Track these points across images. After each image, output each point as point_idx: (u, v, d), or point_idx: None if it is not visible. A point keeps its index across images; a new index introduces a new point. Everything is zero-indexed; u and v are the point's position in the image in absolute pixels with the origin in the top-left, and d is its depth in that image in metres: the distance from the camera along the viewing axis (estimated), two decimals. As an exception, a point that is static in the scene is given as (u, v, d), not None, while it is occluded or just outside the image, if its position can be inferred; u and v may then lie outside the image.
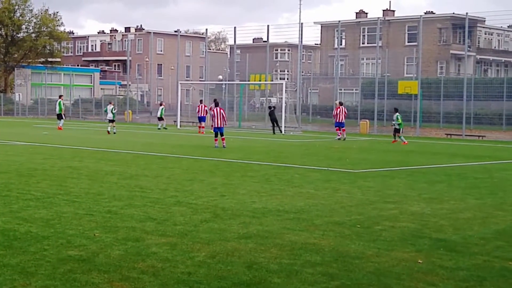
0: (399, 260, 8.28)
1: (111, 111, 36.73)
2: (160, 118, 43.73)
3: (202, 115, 41.71)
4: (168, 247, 8.64)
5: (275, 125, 40.93)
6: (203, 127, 40.61)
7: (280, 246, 8.85)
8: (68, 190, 13.39)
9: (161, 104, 46.25)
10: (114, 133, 35.84)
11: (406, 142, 31.74)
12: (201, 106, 42.40)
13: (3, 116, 66.54)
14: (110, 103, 39.02)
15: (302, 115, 47.79)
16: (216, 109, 27.07)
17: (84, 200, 12.25)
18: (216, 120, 26.46)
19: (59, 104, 42.31)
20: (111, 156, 21.99)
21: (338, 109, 35.98)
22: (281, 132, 40.54)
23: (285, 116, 42.42)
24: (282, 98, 43.97)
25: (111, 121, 36.65)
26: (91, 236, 9.16)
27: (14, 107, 70.57)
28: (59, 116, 42.12)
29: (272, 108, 42.43)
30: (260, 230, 9.83)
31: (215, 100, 29.28)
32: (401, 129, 33.07)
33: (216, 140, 26.78)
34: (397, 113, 33.00)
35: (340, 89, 53.65)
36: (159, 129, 42.43)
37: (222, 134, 26.51)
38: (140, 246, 8.68)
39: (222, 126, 26.50)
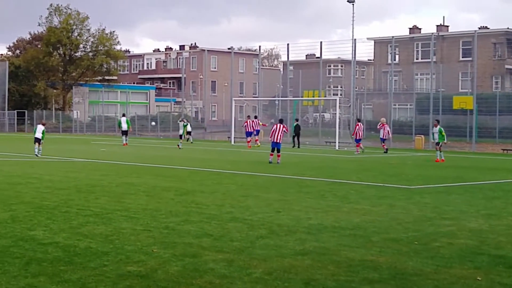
0: (458, 277, 8.17)
1: (183, 127, 39.44)
2: (187, 133, 43.54)
3: (249, 130, 42.29)
4: (225, 263, 8.69)
5: (298, 139, 42.43)
6: (249, 141, 41.80)
7: (337, 263, 8.81)
8: (126, 206, 13.59)
9: (182, 121, 44.35)
10: (180, 148, 37.71)
11: (441, 160, 29.77)
12: (249, 121, 42.74)
13: (62, 133, 67.94)
14: (182, 120, 40.41)
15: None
16: (278, 124, 27.02)
17: (142, 216, 12.41)
18: (276, 135, 26.42)
19: (127, 121, 44.13)
20: (167, 172, 22.23)
21: (357, 126, 36.96)
22: (298, 146, 41.82)
23: (338, 131, 42.27)
24: (336, 113, 43.80)
25: (181, 136, 39.07)
26: (150, 252, 9.28)
27: (72, 125, 72.01)
28: (125, 133, 43.27)
29: (298, 123, 43.83)
30: (317, 247, 9.80)
31: (280, 120, 29.02)
32: (440, 143, 30.56)
33: (271, 155, 26.68)
34: (439, 126, 31.05)
35: (394, 105, 53.21)
36: (180, 146, 39.19)
37: (278, 151, 26.50)
38: (197, 262, 8.74)
39: (280, 142, 26.55)
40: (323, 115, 56.96)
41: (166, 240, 10.13)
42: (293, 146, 42.12)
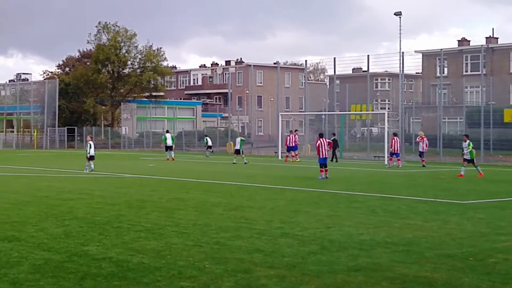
0: (516, 295, 7.98)
1: (240, 142, 39.67)
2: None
3: (291, 145, 42.18)
4: (277, 279, 8.64)
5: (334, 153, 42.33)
6: (293, 156, 41.58)
7: (391, 279, 8.70)
8: (177, 222, 13.65)
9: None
10: (242, 163, 38.12)
11: (462, 175, 28.18)
12: (291, 136, 42.75)
13: (111, 149, 68.80)
14: (239, 136, 41.65)
15: (404, 144, 46.97)
16: (322, 139, 26.93)
17: (192, 231, 12.45)
18: (323, 150, 26.38)
19: (172, 137, 45.08)
20: (215, 188, 22.29)
21: (393, 140, 36.96)
22: (336, 161, 41.86)
23: (387, 146, 41.87)
24: (384, 127, 43.47)
25: (238, 151, 39.42)
26: (202, 267, 9.29)
27: (121, 141, 72.87)
28: (171, 148, 44.31)
29: (335, 137, 44.04)
30: (369, 263, 9.69)
31: (320, 134, 28.75)
32: (472, 159, 28.90)
33: (322, 171, 26.26)
34: (468, 140, 29.39)
35: (444, 118, 52.43)
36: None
37: (326, 166, 26.39)
38: (249, 278, 8.72)
39: (326, 156, 26.59)
40: (371, 129, 56.50)
41: (217, 255, 10.13)
42: (331, 160, 41.45)
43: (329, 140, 27.97)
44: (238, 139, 41.00)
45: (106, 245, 10.88)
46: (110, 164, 38.09)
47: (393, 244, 11.27)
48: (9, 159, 43.45)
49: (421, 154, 38.24)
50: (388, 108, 69.38)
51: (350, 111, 55.71)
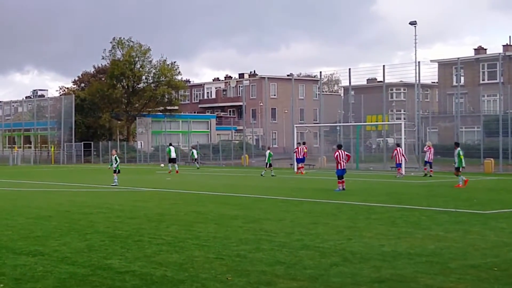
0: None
1: (269, 155, 39.36)
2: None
3: (300, 157, 42.37)
4: (301, 291, 8.63)
5: None
6: (299, 168, 41.70)
7: (416, 290, 8.67)
8: (197, 235, 13.66)
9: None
10: (272, 175, 37.98)
11: (460, 185, 27.94)
12: (300, 148, 42.81)
13: (127, 163, 68.98)
14: (268, 148, 41.73)
15: (422, 155, 46.80)
16: (340, 151, 26.88)
17: (213, 244, 12.46)
18: (342, 162, 26.37)
19: (176, 150, 46.65)
20: (233, 201, 22.29)
21: (396, 151, 38.03)
22: None
23: (398, 157, 41.74)
24: (400, 138, 43.31)
25: (267, 164, 39.18)
26: (224, 280, 9.30)
27: (136, 155, 73.08)
28: (174, 160, 45.42)
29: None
30: (393, 274, 9.66)
31: (339, 145, 28.74)
32: (457, 167, 28.82)
33: (339, 182, 26.17)
34: (458, 149, 29.25)
35: (461, 128, 52.23)
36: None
37: (343, 177, 26.31)
38: (273, 290, 8.71)
39: (344, 168, 26.46)
40: (387, 140, 56.32)
41: (239, 268, 10.14)
42: None
43: (347, 153, 27.84)
44: (267, 152, 40.13)
45: (128, 259, 10.92)
46: (127, 178, 38.15)
47: (416, 255, 11.23)
48: (28, 175, 43.72)
49: (427, 163, 38.37)
50: (404, 118, 69.05)
51: (365, 122, 55.57)
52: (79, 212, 18.29)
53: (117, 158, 31.06)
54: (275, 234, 13.76)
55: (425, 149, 39.38)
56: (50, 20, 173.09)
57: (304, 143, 45.16)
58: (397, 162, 37.86)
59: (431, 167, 38.06)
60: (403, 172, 37.77)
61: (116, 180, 30.25)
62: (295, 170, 42.82)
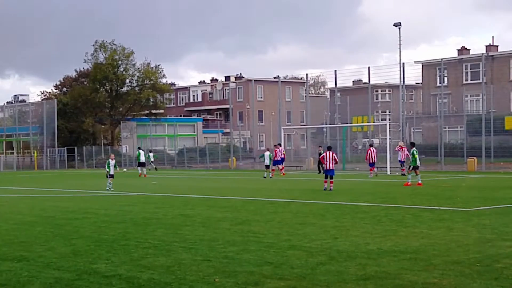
0: (526, 298, 8.02)
1: (269, 157, 39.83)
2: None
3: (279, 158, 42.27)
4: (288, 290, 8.69)
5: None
6: (273, 170, 41.14)
7: (400, 287, 8.75)
8: (184, 237, 13.69)
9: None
10: (270, 177, 38.46)
11: (409, 183, 29.06)
12: (278, 150, 42.77)
13: (113, 168, 68.76)
14: (267, 150, 42.01)
15: (393, 156, 47.07)
16: (328, 152, 27.72)
17: (200, 246, 12.49)
18: (328, 163, 27.19)
19: (145, 155, 48.72)
20: (221, 203, 22.32)
21: (369, 151, 39.63)
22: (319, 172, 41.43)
23: (389, 156, 42.01)
24: (386, 138, 43.56)
25: (267, 166, 39.68)
26: (212, 282, 9.33)
27: (122, 159, 72.69)
28: (143, 165, 47.25)
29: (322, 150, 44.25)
30: (378, 271, 9.74)
31: (328, 147, 29.80)
32: (412, 166, 29.65)
33: (325, 182, 27.06)
34: (414, 148, 30.18)
35: (444, 127, 52.58)
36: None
37: (331, 178, 26.97)
38: (260, 290, 8.76)
39: (333, 168, 27.20)
40: (373, 140, 56.53)
41: (226, 269, 10.18)
42: (319, 172, 42.14)
43: (335, 157, 28.13)
44: (267, 154, 40.48)
45: (115, 263, 10.92)
46: (112, 183, 38.10)
47: (401, 252, 11.33)
48: (11, 181, 43.50)
49: (401, 163, 39.27)
50: (389, 119, 69.36)
51: (351, 123, 55.82)
52: (63, 218, 18.22)
53: (114, 163, 31.13)
54: (263, 235, 13.82)
55: (396, 148, 40.50)
56: (31, 24, 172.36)
57: (279, 145, 45.09)
58: (370, 162, 39.12)
59: (402, 166, 38.90)
60: (376, 172, 39.22)
61: (110, 185, 30.27)
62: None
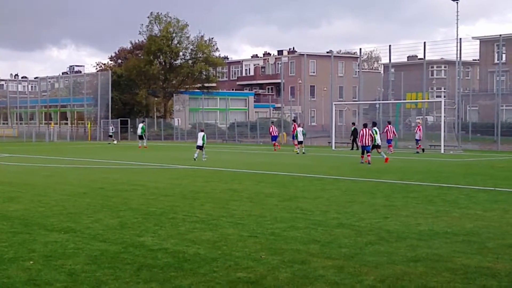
0: None
1: (302, 133, 39.84)
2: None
3: (274, 134, 46.42)
4: (335, 270, 8.47)
5: (355, 142, 43.91)
6: (277, 145, 45.64)
7: (452, 270, 8.44)
8: (231, 212, 13.56)
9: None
10: (303, 153, 38.62)
11: (387, 158, 30.51)
12: (273, 127, 47.17)
13: (164, 140, 69.38)
14: (299, 125, 42.42)
15: (461, 133, 46.12)
16: (364, 129, 30.27)
17: (247, 222, 12.34)
18: (364, 139, 29.84)
19: (143, 127, 50.82)
20: (269, 178, 22.15)
21: (387, 127, 40.61)
22: (358, 148, 41.43)
23: (443, 135, 41.19)
24: (440, 116, 42.68)
25: (300, 142, 39.42)
26: (258, 258, 9.17)
27: (174, 132, 73.26)
28: (141, 137, 49.80)
29: (355, 127, 45.95)
30: (429, 253, 9.43)
31: (364, 124, 32.39)
32: (377, 146, 30.56)
33: (362, 157, 29.91)
34: (374, 128, 30.95)
35: (502, 106, 51.24)
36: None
37: (368, 152, 29.56)
38: (306, 268, 8.56)
39: (368, 144, 29.73)
40: (426, 118, 55.55)
41: (273, 246, 10.00)
42: (351, 149, 44.58)
43: (371, 132, 30.30)
44: (300, 129, 40.37)
45: (161, 236, 10.85)
46: (164, 155, 38.37)
47: (453, 234, 10.98)
48: (64, 151, 44.14)
49: (417, 141, 40.87)
50: (444, 96, 68.03)
51: (405, 99, 54.92)
52: (113, 189, 18.31)
53: (203, 135, 32.84)
54: (311, 212, 13.60)
55: (418, 127, 41.93)
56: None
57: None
58: (388, 138, 39.99)
59: (417, 144, 40.55)
60: (391, 150, 39.61)
61: (196, 155, 32.23)
62: (333, 147, 42.81)
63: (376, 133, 30.42)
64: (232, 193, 17.21)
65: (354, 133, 44.12)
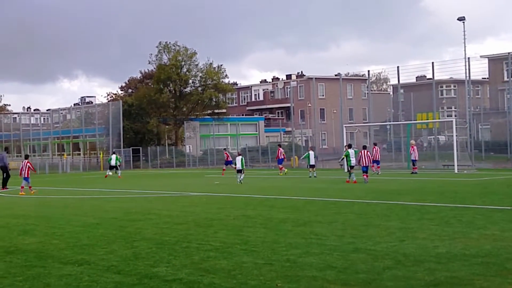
0: None
1: (313, 157, 40.63)
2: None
3: (280, 157, 46.51)
4: (353, 297, 8.33)
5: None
6: (283, 168, 45.42)
7: (473, 294, 8.29)
8: (245, 239, 13.44)
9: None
10: (315, 176, 38.71)
11: (348, 181, 31.98)
12: (280, 150, 47.38)
13: (176, 168, 69.37)
14: (310, 148, 44.20)
15: (474, 152, 45.82)
16: (363, 151, 32.58)
17: (262, 249, 12.21)
18: (363, 160, 32.14)
19: (117, 158, 50.66)
20: (282, 203, 22.02)
21: (374, 149, 40.96)
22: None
23: (456, 154, 40.95)
24: (452, 135, 42.50)
25: (312, 166, 40.06)
26: (274, 287, 9.04)
27: (185, 159, 73.31)
28: (114, 167, 49.86)
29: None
30: (448, 277, 9.28)
31: (364, 146, 34.63)
32: (349, 166, 32.65)
33: (364, 175, 31.54)
34: (349, 149, 32.83)
35: (514, 123, 50.96)
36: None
37: (366, 172, 31.67)
38: (324, 296, 8.43)
39: (367, 165, 32.21)
40: (438, 137, 55.30)
41: (288, 273, 9.87)
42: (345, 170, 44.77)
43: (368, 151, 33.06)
44: (312, 153, 40.94)
45: (176, 266, 10.74)
46: (176, 182, 38.30)
47: (472, 256, 10.82)
48: (77, 182, 44.16)
49: (413, 162, 41.07)
50: (455, 115, 67.86)
51: (415, 120, 54.75)
52: (126, 219, 18.21)
53: (239, 158, 34.67)
54: (326, 237, 13.46)
55: (411, 150, 42.05)
56: (98, 26, 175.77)
57: (279, 145, 50.08)
58: (375, 159, 39.94)
59: (414, 165, 40.80)
60: (376, 171, 39.74)
61: (238, 180, 33.66)
62: (345, 170, 42.79)
63: (349, 155, 32.30)
64: (246, 220, 17.08)
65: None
